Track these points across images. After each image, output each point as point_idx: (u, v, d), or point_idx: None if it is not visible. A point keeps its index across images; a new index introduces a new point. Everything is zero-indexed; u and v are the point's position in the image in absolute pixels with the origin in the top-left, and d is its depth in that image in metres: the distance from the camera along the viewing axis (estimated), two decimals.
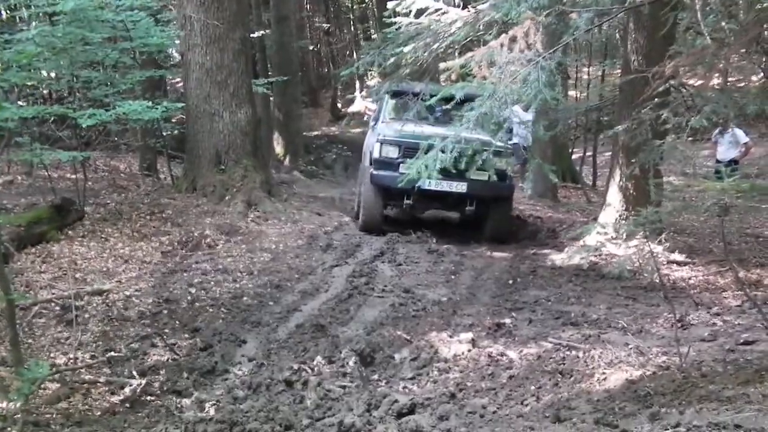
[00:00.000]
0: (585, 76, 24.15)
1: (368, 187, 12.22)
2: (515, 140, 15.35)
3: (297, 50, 22.58)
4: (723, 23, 6.29)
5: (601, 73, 23.31)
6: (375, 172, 11.95)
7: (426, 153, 8.50)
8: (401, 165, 10.94)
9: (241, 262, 10.17)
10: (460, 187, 11.76)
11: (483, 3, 6.92)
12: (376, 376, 6.80)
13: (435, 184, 11.40)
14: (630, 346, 7.21)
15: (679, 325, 7.70)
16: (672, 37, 8.80)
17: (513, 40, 5.44)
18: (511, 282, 10.07)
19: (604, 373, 6.39)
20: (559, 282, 9.93)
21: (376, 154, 11.94)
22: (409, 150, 10.90)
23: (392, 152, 11.84)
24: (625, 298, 9.00)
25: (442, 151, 9.46)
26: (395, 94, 12.50)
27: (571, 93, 20.30)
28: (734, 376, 5.26)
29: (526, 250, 12.27)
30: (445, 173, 10.08)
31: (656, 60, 7.48)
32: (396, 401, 5.78)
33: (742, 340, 7.17)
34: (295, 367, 6.77)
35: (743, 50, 6.04)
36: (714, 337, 7.41)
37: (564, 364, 6.79)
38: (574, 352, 7.06)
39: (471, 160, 9.30)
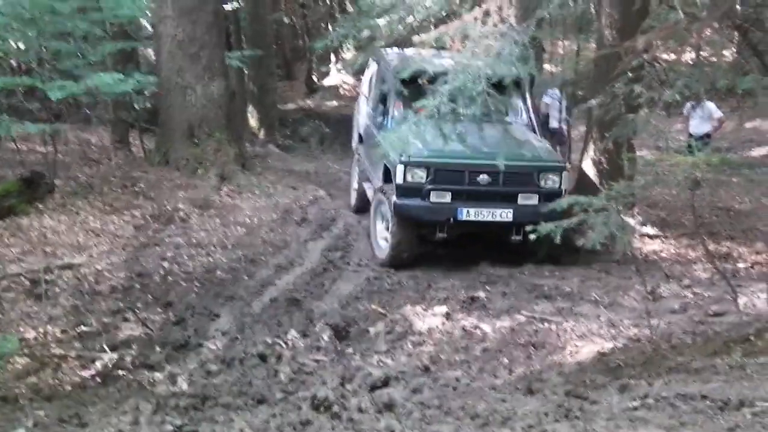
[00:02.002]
0: (560, 51, 24.11)
1: (392, 220, 9.43)
2: (554, 124, 14.40)
3: (272, 23, 22.36)
4: None
5: (576, 48, 23.28)
6: (399, 202, 9.17)
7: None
8: (433, 193, 9.10)
9: (214, 236, 10.11)
10: (505, 215, 9.08)
11: None
12: (350, 350, 6.82)
13: (474, 213, 9.09)
14: (602, 319, 7.28)
15: (650, 297, 7.78)
16: (646, 12, 8.81)
17: (487, 13, 5.42)
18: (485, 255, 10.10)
19: (576, 346, 6.45)
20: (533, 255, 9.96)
21: (399, 179, 9.17)
22: (440, 172, 9.12)
23: (419, 176, 9.15)
24: (598, 272, 9.06)
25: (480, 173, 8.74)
26: (407, 81, 9.22)
27: (547, 67, 20.23)
28: (703, 347, 5.33)
29: None
30: (487, 198, 9.10)
31: (630, 34, 7.48)
32: (370, 374, 5.80)
33: (711, 312, 7.26)
34: (269, 341, 6.77)
35: (715, 25, 6.06)
36: (684, 310, 7.49)
37: (537, 336, 6.85)
38: (546, 325, 7.12)
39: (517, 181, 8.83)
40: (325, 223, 11.38)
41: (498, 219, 9.07)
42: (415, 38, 6.14)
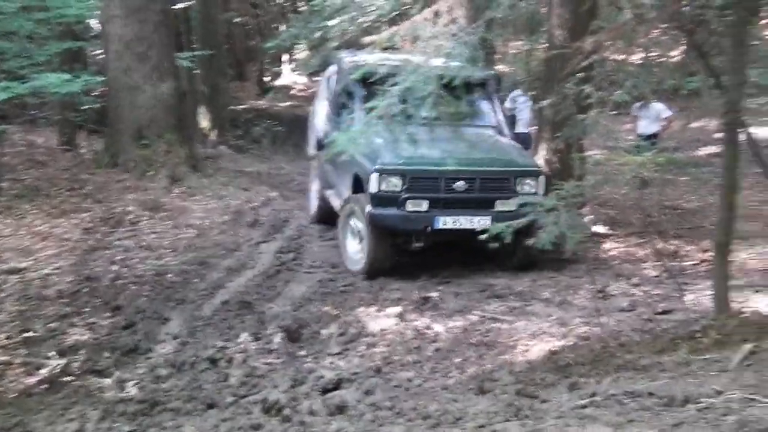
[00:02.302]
0: (512, 51, 24.31)
1: (368, 229, 8.98)
2: (520, 129, 13.98)
3: (223, 22, 22.22)
4: None
5: (527, 48, 23.48)
6: (374, 212, 8.77)
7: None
8: (409, 202, 8.76)
9: (165, 239, 10.01)
10: (483, 222, 8.46)
11: None
12: (302, 352, 6.78)
13: (452, 221, 8.78)
14: (553, 318, 7.34)
15: (599, 296, 7.86)
16: (595, 12, 8.88)
17: (437, 14, 5.43)
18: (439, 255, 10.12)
19: (526, 345, 6.49)
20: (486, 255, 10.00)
21: (373, 188, 8.76)
22: (416, 180, 8.77)
23: (394, 184, 8.76)
24: (549, 271, 9.13)
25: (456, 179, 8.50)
26: (366, 82, 8.82)
27: (499, 67, 20.40)
28: (650, 345, 5.39)
29: None
30: (463, 205, 8.80)
31: (580, 34, 7.54)
32: (322, 377, 5.76)
33: (659, 310, 7.36)
34: (220, 344, 6.71)
35: (663, 25, 6.14)
36: (633, 307, 7.58)
37: (489, 336, 6.88)
38: (498, 324, 7.15)
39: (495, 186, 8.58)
40: (277, 225, 11.32)
41: (477, 226, 8.42)
42: (366, 39, 6.12)
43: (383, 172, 8.79)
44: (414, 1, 6.40)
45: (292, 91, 26.48)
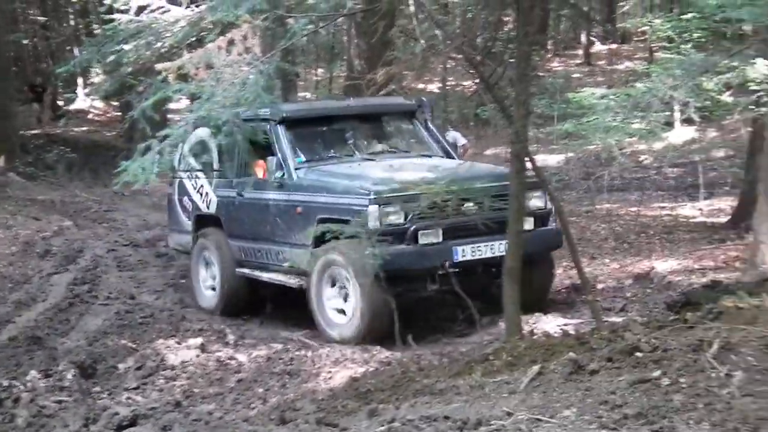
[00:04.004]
0: (315, 78, 24.63)
1: (361, 281, 7.20)
2: None
3: (9, 44, 21.12)
4: (436, 31, 6.65)
5: (329, 75, 23.87)
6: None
7: None
8: (420, 234, 7.27)
9: None
10: (503, 247, 6.70)
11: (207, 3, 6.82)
12: (97, 389, 6.50)
13: (471, 251, 7.36)
14: (356, 343, 7.41)
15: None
16: (390, 43, 9.14)
17: (231, 43, 5.40)
18: None
19: (329, 372, 6.52)
20: None
21: (372, 223, 7.15)
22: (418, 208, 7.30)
23: (397, 216, 7.26)
24: None
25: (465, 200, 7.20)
26: (291, 122, 8.32)
27: (303, 94, 20.57)
28: (447, 368, 5.56)
29: None
30: (476, 230, 7.33)
31: (377, 63, 7.74)
32: (116, 413, 5.53)
33: (458, 333, 7.61)
34: (6, 383, 6.28)
35: (457, 56, 6.40)
36: (435, 331, 7.80)
37: (292, 364, 6.85)
38: (303, 352, 7.14)
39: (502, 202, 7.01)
40: (71, 255, 10.81)
41: (497, 253, 7.16)
42: (158, 66, 5.99)
43: (382, 202, 7.21)
44: (211, 29, 6.32)
45: (89, 116, 25.48)
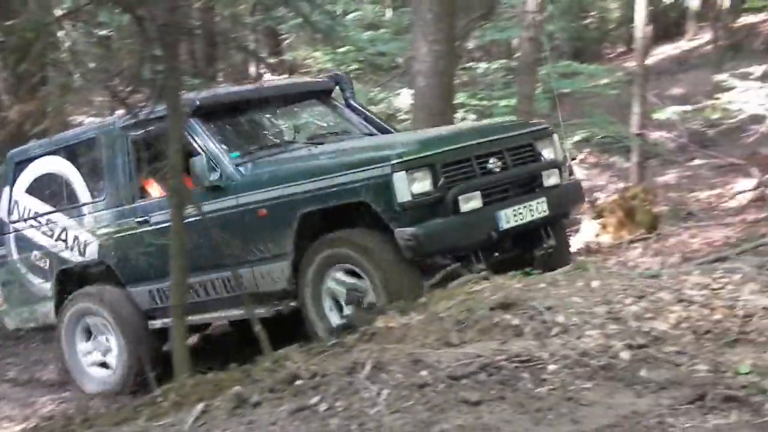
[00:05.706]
0: None
1: (377, 275, 5.80)
2: None
3: None
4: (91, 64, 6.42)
5: None
6: (414, 231, 5.66)
7: None
8: (461, 199, 5.83)
9: None
10: (540, 207, 6.16)
11: None
12: None
13: (513, 215, 6.07)
14: (17, 399, 6.94)
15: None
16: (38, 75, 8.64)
17: None
18: None
19: None
20: None
21: (402, 196, 5.66)
22: (451, 167, 5.92)
23: (429, 181, 5.80)
24: (14, 345, 8.61)
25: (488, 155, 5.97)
26: (208, 113, 6.72)
27: None
28: (114, 416, 5.33)
29: None
30: (507, 190, 6.18)
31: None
32: None
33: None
34: None
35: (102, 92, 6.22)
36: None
37: None
38: None
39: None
40: None
41: (537, 216, 6.16)
42: None
43: (412, 167, 5.72)
44: None
45: None
